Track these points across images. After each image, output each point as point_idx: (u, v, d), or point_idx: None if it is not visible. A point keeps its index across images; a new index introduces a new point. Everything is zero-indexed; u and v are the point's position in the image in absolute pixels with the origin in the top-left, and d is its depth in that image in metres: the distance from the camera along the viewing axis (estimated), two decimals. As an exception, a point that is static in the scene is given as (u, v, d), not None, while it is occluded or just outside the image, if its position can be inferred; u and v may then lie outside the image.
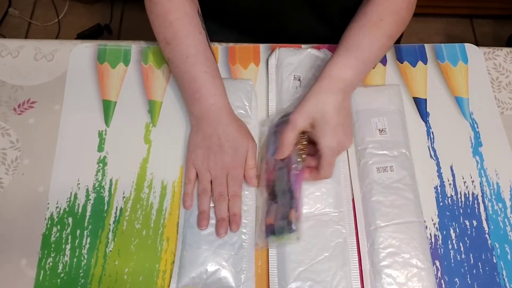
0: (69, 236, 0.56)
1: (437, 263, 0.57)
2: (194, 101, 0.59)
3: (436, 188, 0.61)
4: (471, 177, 0.62)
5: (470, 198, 0.61)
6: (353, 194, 0.59)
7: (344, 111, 0.57)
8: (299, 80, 0.64)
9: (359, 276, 0.54)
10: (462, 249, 0.58)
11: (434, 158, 0.63)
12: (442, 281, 0.56)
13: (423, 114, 0.66)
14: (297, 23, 0.74)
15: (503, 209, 0.60)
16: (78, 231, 0.57)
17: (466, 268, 0.57)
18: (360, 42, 0.60)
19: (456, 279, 0.56)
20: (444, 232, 0.58)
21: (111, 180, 0.60)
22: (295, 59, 0.66)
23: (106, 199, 0.59)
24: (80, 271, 0.54)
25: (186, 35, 0.60)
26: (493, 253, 0.57)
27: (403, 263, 0.54)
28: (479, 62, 0.71)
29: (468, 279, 0.56)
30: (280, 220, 0.54)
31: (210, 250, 0.54)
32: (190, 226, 0.55)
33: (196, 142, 0.59)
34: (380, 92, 0.65)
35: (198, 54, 0.60)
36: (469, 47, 0.73)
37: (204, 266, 0.53)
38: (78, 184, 0.59)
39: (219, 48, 0.70)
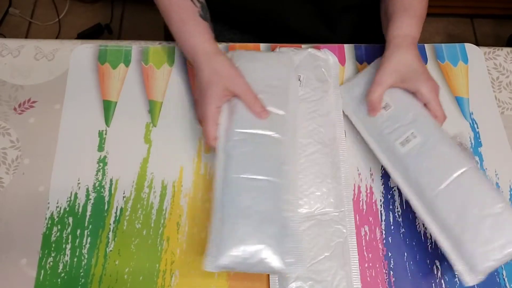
0: (70, 236, 0.56)
1: (437, 263, 0.57)
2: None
3: (436, 188, 0.61)
4: (471, 177, 0.62)
5: (470, 198, 0.61)
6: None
7: (421, 60, 0.61)
8: (299, 80, 0.64)
9: (359, 276, 0.54)
10: (462, 249, 0.58)
11: (434, 158, 0.63)
12: (442, 280, 0.56)
13: (423, 114, 0.66)
14: (300, 23, 0.74)
15: (503, 209, 0.60)
16: (79, 231, 0.57)
17: (466, 268, 0.57)
18: (415, 4, 0.63)
19: (456, 279, 0.56)
20: (444, 232, 0.59)
21: (111, 180, 0.60)
22: (296, 59, 0.66)
23: (107, 198, 0.59)
24: (81, 271, 0.55)
25: None
26: (493, 253, 0.57)
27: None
28: (479, 62, 0.71)
29: (468, 279, 0.56)
30: None
31: (251, 225, 0.49)
32: (229, 201, 0.51)
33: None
34: (368, 74, 0.64)
35: (176, 3, 0.62)
36: (469, 47, 0.73)
37: (245, 244, 0.48)
38: (78, 183, 0.59)
39: (220, 47, 0.70)
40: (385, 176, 0.62)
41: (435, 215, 0.52)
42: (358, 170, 0.62)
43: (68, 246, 0.56)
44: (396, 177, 0.56)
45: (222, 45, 0.70)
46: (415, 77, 0.59)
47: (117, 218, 0.58)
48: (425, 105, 0.59)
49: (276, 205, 0.51)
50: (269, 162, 0.53)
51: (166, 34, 0.86)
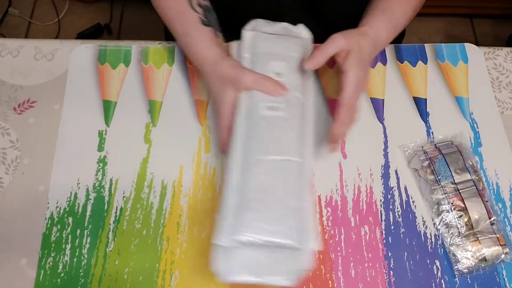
0: (69, 236, 0.56)
1: (437, 263, 0.57)
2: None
3: (436, 188, 0.61)
4: (471, 177, 0.62)
5: (470, 198, 0.61)
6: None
7: (369, 63, 0.60)
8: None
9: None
10: (462, 249, 0.58)
11: (434, 158, 0.63)
12: (442, 280, 0.56)
13: (423, 114, 0.66)
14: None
15: (503, 209, 0.60)
16: (78, 231, 0.57)
17: (466, 268, 0.57)
18: (395, 9, 0.63)
19: (456, 279, 0.56)
20: (444, 232, 0.59)
21: (111, 180, 0.60)
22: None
23: (106, 198, 0.59)
24: (80, 271, 0.55)
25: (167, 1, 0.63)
26: (493, 253, 0.58)
27: (275, 201, 0.50)
28: (479, 62, 0.71)
29: (468, 279, 0.56)
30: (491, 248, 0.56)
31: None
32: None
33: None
34: (284, 40, 0.61)
35: (177, 16, 0.62)
36: (469, 47, 0.73)
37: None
38: (78, 183, 0.59)
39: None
40: (385, 176, 0.62)
41: (244, 178, 0.51)
42: (358, 170, 0.62)
43: (68, 246, 0.56)
44: (238, 127, 0.54)
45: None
46: (355, 60, 0.56)
47: (117, 218, 0.58)
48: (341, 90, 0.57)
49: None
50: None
51: (166, 34, 0.86)
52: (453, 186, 0.59)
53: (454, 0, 1.65)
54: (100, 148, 0.62)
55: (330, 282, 0.55)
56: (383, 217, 0.59)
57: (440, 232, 0.58)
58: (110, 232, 0.57)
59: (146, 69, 0.68)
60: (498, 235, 0.56)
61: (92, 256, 0.55)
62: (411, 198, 0.61)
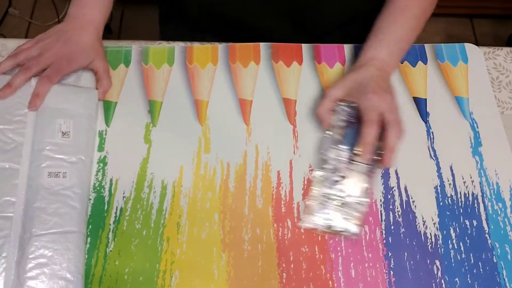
0: (70, 236, 0.56)
1: (437, 263, 0.57)
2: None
3: (436, 188, 0.61)
4: (470, 177, 0.62)
5: (470, 198, 0.61)
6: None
7: (381, 80, 0.61)
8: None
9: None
10: (462, 248, 0.58)
11: (434, 158, 0.63)
12: (443, 280, 0.56)
13: (423, 114, 0.66)
14: (282, 39, 0.74)
15: (503, 209, 0.60)
16: (78, 231, 0.57)
17: (467, 267, 0.57)
18: (390, 26, 0.65)
19: (456, 279, 0.56)
20: (444, 231, 0.59)
21: (111, 180, 0.60)
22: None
23: (106, 199, 0.59)
24: (81, 271, 0.55)
25: None
26: (493, 253, 0.58)
27: (51, 275, 0.51)
28: (479, 62, 0.71)
29: (468, 279, 0.56)
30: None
31: None
32: None
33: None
34: (74, 93, 0.61)
35: None
36: (469, 47, 0.73)
37: None
38: (78, 184, 0.59)
39: (219, 46, 0.70)
40: (385, 176, 0.62)
41: (22, 251, 0.51)
42: (358, 170, 0.62)
43: (68, 246, 0.56)
44: (21, 194, 0.54)
45: (222, 45, 0.70)
46: (360, 90, 0.60)
47: (117, 218, 0.58)
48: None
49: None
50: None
51: (162, 35, 0.86)
52: (350, 154, 0.60)
53: (454, 0, 1.65)
54: (100, 148, 0.62)
55: (330, 282, 0.55)
56: (383, 217, 0.59)
57: (313, 176, 0.60)
58: (110, 233, 0.57)
59: (146, 69, 0.68)
60: (358, 214, 0.58)
61: (92, 256, 0.55)
62: (411, 198, 0.61)
